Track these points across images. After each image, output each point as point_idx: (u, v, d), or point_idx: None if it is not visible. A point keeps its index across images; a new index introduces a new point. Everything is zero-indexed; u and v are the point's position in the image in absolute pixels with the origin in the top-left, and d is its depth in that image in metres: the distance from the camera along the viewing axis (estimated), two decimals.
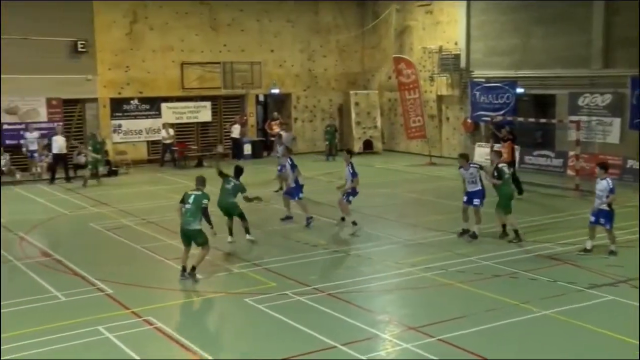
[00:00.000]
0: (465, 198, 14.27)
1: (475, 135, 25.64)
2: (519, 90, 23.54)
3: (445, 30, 26.49)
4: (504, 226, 14.07)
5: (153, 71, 25.90)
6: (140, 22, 25.54)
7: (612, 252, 12.53)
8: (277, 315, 9.84)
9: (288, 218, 15.94)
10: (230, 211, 13.96)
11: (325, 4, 29.24)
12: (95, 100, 24.98)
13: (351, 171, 14.84)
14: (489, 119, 23.08)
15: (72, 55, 24.03)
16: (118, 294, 10.78)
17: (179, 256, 12.89)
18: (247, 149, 27.19)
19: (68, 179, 22.16)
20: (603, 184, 12.43)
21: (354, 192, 14.98)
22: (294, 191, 15.52)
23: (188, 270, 11.44)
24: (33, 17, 23.04)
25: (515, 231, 13.83)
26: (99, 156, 22.01)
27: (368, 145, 28.67)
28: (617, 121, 20.99)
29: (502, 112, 23.45)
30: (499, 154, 15.23)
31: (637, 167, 20.36)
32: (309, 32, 28.97)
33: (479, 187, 14.22)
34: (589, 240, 12.69)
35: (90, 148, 21.92)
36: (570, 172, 21.13)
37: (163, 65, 26.04)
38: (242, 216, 13.97)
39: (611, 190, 12.32)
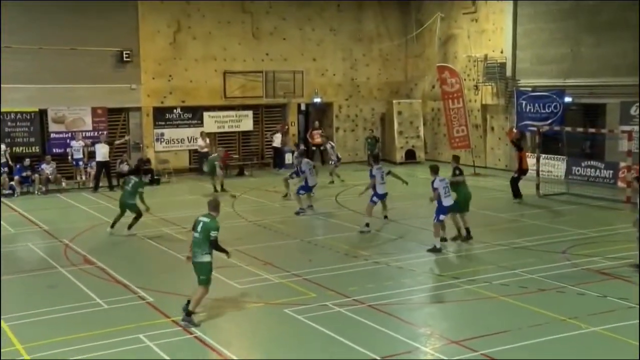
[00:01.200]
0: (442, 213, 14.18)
1: (522, 145, 25.22)
2: (567, 99, 23.14)
3: (491, 38, 26.24)
4: (459, 229, 14.57)
5: (195, 80, 26.30)
6: (183, 31, 25.99)
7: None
8: (317, 327, 9.83)
9: (307, 208, 17.97)
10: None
11: (368, 12, 29.28)
12: (138, 109, 25.48)
13: (373, 174, 16.13)
14: (535, 128, 22.72)
15: (118, 65, 24.59)
16: (159, 302, 10.93)
17: (219, 265, 13.02)
18: (288, 158, 27.33)
19: (111, 187, 22.61)
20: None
21: (377, 195, 16.03)
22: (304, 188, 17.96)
23: (186, 310, 9.91)
24: (80, 27, 23.70)
25: (467, 229, 14.54)
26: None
27: (410, 155, 28.53)
28: None
29: (549, 122, 23.08)
30: (457, 158, 15.70)
31: None
32: (352, 40, 29.03)
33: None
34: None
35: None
36: (621, 183, 20.64)
37: (205, 74, 26.41)
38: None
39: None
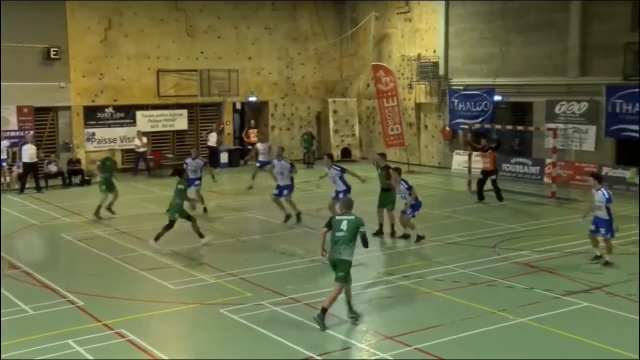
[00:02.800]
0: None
1: (454, 143, 25.84)
2: (497, 97, 23.79)
3: (424, 37, 26.71)
4: (392, 225, 14.90)
5: (128, 79, 25.78)
6: (114, 28, 25.42)
7: (607, 263, 12.52)
8: (253, 326, 9.80)
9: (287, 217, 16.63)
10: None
11: (303, 11, 29.34)
12: (68, 108, 24.79)
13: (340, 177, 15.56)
14: (467, 126, 23.29)
15: (45, 62, 23.83)
16: (89, 306, 10.67)
17: (152, 267, 12.87)
18: (224, 157, 27.14)
19: (38, 188, 21.90)
20: (599, 195, 12.55)
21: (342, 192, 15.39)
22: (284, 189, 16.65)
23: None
24: (4, 22, 22.82)
25: (392, 225, 15.01)
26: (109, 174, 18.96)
27: (346, 153, 28.76)
28: (592, 129, 21.31)
29: (480, 120, 23.69)
30: (383, 156, 16.00)
31: (613, 175, 20.64)
32: (287, 39, 29.05)
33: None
34: (595, 249, 12.84)
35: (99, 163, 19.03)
36: (547, 179, 21.36)
37: (138, 73, 25.92)
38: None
39: (608, 200, 12.41)
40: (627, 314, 10.07)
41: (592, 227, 12.73)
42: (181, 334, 9.94)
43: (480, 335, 9.41)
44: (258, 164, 21.94)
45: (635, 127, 20.09)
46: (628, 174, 20.33)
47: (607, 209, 12.43)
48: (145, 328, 9.91)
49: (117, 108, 25.68)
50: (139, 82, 25.98)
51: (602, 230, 12.56)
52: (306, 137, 27.92)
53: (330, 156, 16.33)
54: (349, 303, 10.05)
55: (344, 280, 9.86)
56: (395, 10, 27.74)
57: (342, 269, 9.83)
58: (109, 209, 17.70)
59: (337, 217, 10.09)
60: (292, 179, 16.84)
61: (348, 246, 9.81)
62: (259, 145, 23.25)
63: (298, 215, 16.65)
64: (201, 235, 14.54)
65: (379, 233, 15.02)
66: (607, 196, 12.43)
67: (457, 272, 12.30)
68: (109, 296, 11.21)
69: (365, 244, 10.05)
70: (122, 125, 25.74)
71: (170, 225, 14.29)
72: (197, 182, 18.29)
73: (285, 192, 16.69)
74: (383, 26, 28.32)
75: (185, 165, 18.07)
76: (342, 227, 9.84)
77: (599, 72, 21.12)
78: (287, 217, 16.60)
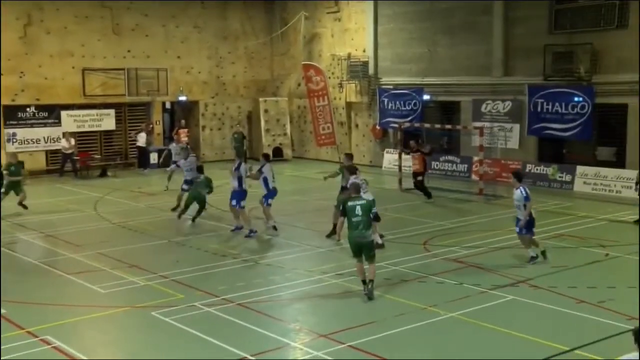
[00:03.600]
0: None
1: (384, 141, 26.20)
2: (426, 97, 24.26)
3: (354, 37, 26.96)
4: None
5: (51, 77, 24.95)
6: (35, 25, 24.54)
7: (532, 258, 12.64)
8: (186, 328, 9.67)
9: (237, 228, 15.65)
10: None
11: (233, 10, 29.12)
12: None
13: (263, 170, 15.30)
14: (397, 125, 23.65)
15: None
16: (12, 313, 10.25)
17: (80, 270, 12.51)
18: (153, 157, 26.62)
19: None
20: (517, 194, 12.56)
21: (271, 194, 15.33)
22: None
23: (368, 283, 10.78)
24: None
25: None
26: (19, 178, 18.49)
27: (278, 153, 28.72)
28: (516, 127, 22.02)
29: (409, 119, 24.09)
30: (350, 156, 16.08)
31: (536, 171, 21.41)
32: (217, 38, 28.77)
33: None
34: (528, 250, 12.75)
35: (5, 171, 18.36)
36: (474, 176, 21.94)
37: (62, 71, 25.13)
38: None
39: (526, 199, 12.41)
40: (550, 305, 10.45)
41: (517, 230, 12.71)
42: (111, 338, 9.70)
43: (412, 330, 9.57)
44: (173, 165, 21.12)
45: (556, 126, 20.87)
46: (550, 170, 21.11)
47: (524, 207, 12.46)
48: (72, 334, 9.61)
49: (40, 107, 24.83)
50: (63, 81, 25.19)
51: (524, 231, 12.55)
52: (237, 136, 27.73)
53: (267, 156, 15.98)
54: (372, 281, 10.80)
55: (374, 258, 10.90)
56: (324, 10, 27.90)
57: (371, 249, 10.82)
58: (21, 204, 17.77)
59: (350, 203, 10.72)
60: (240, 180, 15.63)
61: (368, 228, 10.72)
62: (173, 146, 22.58)
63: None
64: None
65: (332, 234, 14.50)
66: (524, 194, 12.44)
67: (389, 269, 12.47)
68: (34, 302, 10.82)
69: (376, 218, 11.25)
70: (45, 125, 24.90)
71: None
72: (185, 187, 17.73)
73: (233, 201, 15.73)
74: (313, 26, 28.43)
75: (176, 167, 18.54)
76: (357, 212, 10.63)
77: (522, 72, 21.85)
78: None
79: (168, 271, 12.41)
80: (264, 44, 29.85)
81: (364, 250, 10.76)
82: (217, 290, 11.24)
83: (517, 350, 8.83)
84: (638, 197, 15.80)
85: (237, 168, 15.39)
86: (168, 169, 21.25)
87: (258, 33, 29.72)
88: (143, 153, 26.48)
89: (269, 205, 15.38)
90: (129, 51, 26.50)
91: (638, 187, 16.15)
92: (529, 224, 12.60)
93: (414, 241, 14.62)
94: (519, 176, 12.99)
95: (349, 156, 15.86)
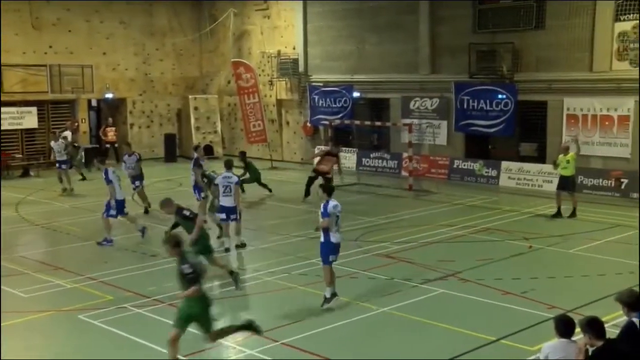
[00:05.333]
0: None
1: (315, 138, 26.31)
2: (356, 94, 24.49)
3: (283, 34, 26.95)
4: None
5: None
6: None
7: (325, 300, 10.18)
8: (115, 330, 9.47)
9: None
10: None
11: (159, 5, 28.59)
12: None
13: (216, 182, 14.09)
14: (327, 122, 23.79)
15: None
16: None
17: None
18: (80, 156, 25.86)
19: None
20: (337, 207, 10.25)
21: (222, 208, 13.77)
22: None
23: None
24: None
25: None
26: None
27: (208, 151, 28.37)
28: (444, 124, 22.52)
29: (340, 116, 24.27)
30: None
31: (463, 167, 21.99)
32: (144, 34, 28.19)
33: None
34: (327, 288, 10.34)
35: None
36: (404, 172, 22.32)
37: None
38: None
39: (322, 214, 10.10)
40: (478, 297, 10.76)
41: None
42: (34, 344, 9.37)
43: (345, 326, 9.67)
44: (57, 165, 20.68)
45: (481, 122, 21.46)
46: (476, 166, 21.69)
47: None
48: None
49: None
50: None
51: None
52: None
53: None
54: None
55: None
56: (253, 7, 27.76)
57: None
58: None
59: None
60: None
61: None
62: (53, 144, 21.46)
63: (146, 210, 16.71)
64: None
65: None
66: (321, 210, 10.15)
67: (321, 266, 12.51)
68: None
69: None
70: None
71: None
72: (137, 183, 17.26)
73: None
74: (242, 23, 28.25)
75: (123, 165, 17.62)
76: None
77: (448, 70, 22.36)
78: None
79: (96, 272, 12.11)
80: (193, 41, 29.46)
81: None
82: (147, 290, 11.04)
83: (447, 342, 9.05)
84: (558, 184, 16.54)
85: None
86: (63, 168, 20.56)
87: (186, 30, 29.29)
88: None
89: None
90: (50, 47, 25.64)
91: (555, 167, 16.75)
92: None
93: (345, 237, 14.57)
94: (329, 190, 10.47)
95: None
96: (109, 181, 14.50)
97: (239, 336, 9.33)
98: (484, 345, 8.90)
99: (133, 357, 8.67)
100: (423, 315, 9.95)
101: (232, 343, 9.15)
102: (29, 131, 25.73)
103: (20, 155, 25.16)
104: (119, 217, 14.73)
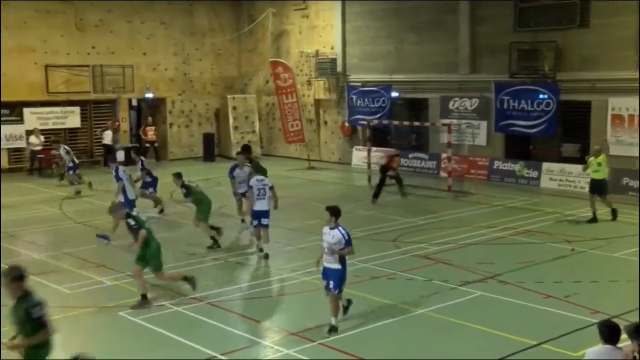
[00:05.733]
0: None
1: (353, 138, 26.28)
2: (394, 94, 24.39)
3: (322, 34, 26.97)
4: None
5: (10, 74, 24.38)
6: None
7: (332, 329, 9.31)
8: (155, 328, 9.60)
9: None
10: None
11: (200, 5, 28.90)
12: None
13: (250, 184, 13.60)
14: (365, 122, 23.74)
15: None
16: None
17: (44, 270, 12.33)
18: (120, 156, 26.29)
19: None
20: (336, 235, 9.29)
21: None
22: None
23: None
24: None
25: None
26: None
27: (246, 151, 28.53)
28: (484, 124, 22.27)
29: (378, 116, 24.20)
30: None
31: (503, 168, 21.72)
32: (184, 34, 28.51)
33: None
34: (333, 318, 9.41)
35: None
36: (443, 173, 22.15)
37: (22, 68, 24.60)
38: None
39: (347, 243, 9.25)
40: (518, 301, 10.62)
41: (325, 283, 9.56)
42: (78, 339, 9.55)
43: (383, 327, 9.64)
44: (66, 169, 21.05)
45: (522, 123, 21.17)
46: (517, 167, 21.41)
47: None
48: None
49: (1, 105, 24.26)
50: (24, 78, 24.69)
51: (331, 283, 9.42)
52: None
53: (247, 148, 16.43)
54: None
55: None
56: (292, 7, 27.85)
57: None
58: None
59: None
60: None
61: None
62: (61, 152, 21.47)
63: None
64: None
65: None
66: (346, 237, 9.27)
67: (359, 266, 12.49)
68: None
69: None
70: (6, 123, 24.41)
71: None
72: (150, 190, 17.22)
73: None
74: (281, 22, 28.36)
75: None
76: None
77: (488, 70, 22.10)
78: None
79: None
80: (231, 41, 29.69)
81: None
82: (185, 289, 11.16)
83: (485, 346, 8.96)
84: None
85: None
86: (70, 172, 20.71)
87: (225, 29, 29.54)
88: (109, 151, 26.15)
89: None
90: (93, 47, 26.12)
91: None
92: (339, 277, 9.43)
93: (383, 238, 14.70)
94: (336, 213, 9.47)
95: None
96: (118, 179, 14.69)
97: (276, 336, 9.37)
98: (524, 349, 8.78)
99: (172, 355, 8.79)
100: (461, 318, 9.86)
101: (270, 343, 9.20)
102: (72, 130, 26.27)
103: None
104: None
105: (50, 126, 25.48)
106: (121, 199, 14.61)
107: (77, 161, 21.28)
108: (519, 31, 21.25)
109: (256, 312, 10.49)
